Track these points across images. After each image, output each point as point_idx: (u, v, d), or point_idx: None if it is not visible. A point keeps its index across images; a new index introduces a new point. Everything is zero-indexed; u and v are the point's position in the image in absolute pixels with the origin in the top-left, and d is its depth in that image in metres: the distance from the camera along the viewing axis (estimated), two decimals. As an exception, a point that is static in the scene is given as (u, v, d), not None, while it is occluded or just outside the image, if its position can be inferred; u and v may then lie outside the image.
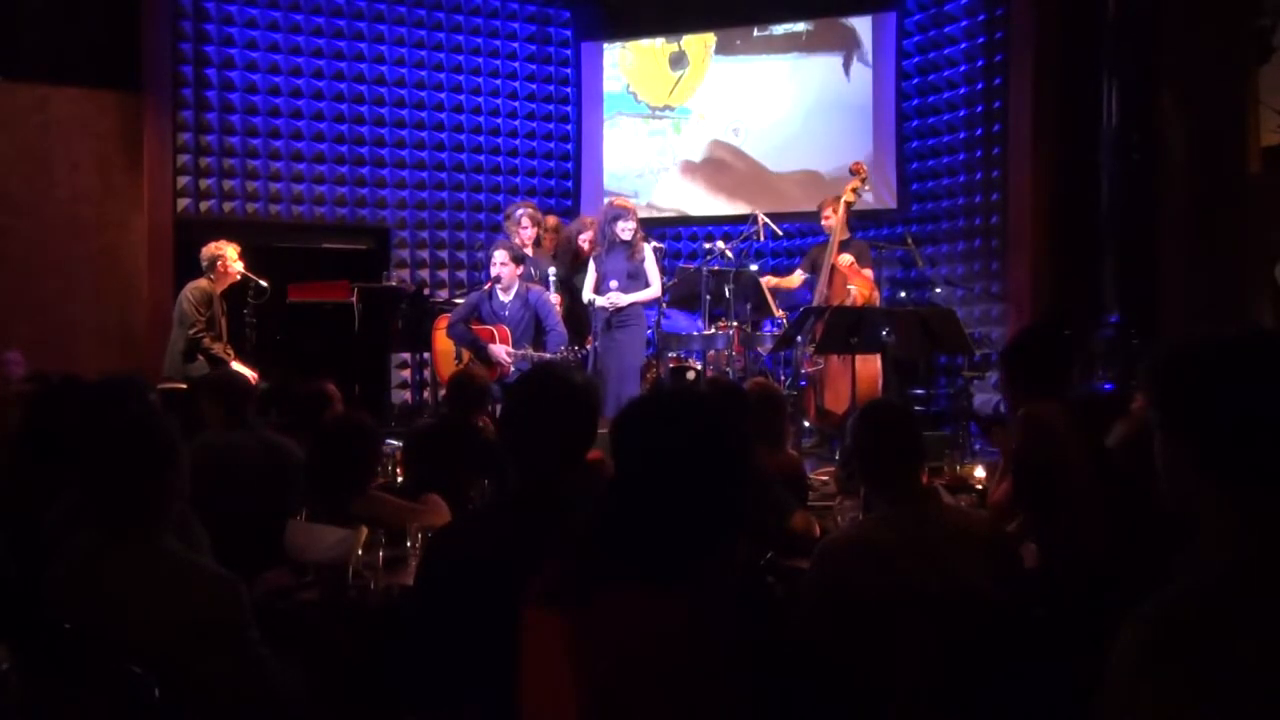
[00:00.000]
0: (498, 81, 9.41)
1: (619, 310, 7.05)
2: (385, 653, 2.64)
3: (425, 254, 9.21)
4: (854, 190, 7.40)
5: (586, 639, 1.61)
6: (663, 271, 7.70)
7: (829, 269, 7.34)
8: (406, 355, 8.78)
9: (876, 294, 7.39)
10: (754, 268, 7.78)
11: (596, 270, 7.25)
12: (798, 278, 7.77)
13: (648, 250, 7.26)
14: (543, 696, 1.66)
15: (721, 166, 9.39)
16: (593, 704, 1.60)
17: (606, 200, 7.82)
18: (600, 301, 7.06)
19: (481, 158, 9.38)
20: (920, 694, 2.42)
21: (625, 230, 7.09)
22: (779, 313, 7.65)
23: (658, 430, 1.78)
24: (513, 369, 6.68)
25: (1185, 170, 6.90)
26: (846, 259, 7.29)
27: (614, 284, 7.05)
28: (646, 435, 1.78)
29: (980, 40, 8.14)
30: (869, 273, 7.36)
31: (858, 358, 6.83)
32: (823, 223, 7.64)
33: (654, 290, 7.22)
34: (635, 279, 7.15)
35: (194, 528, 2.78)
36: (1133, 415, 3.34)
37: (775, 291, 7.68)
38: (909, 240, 8.05)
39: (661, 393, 2.92)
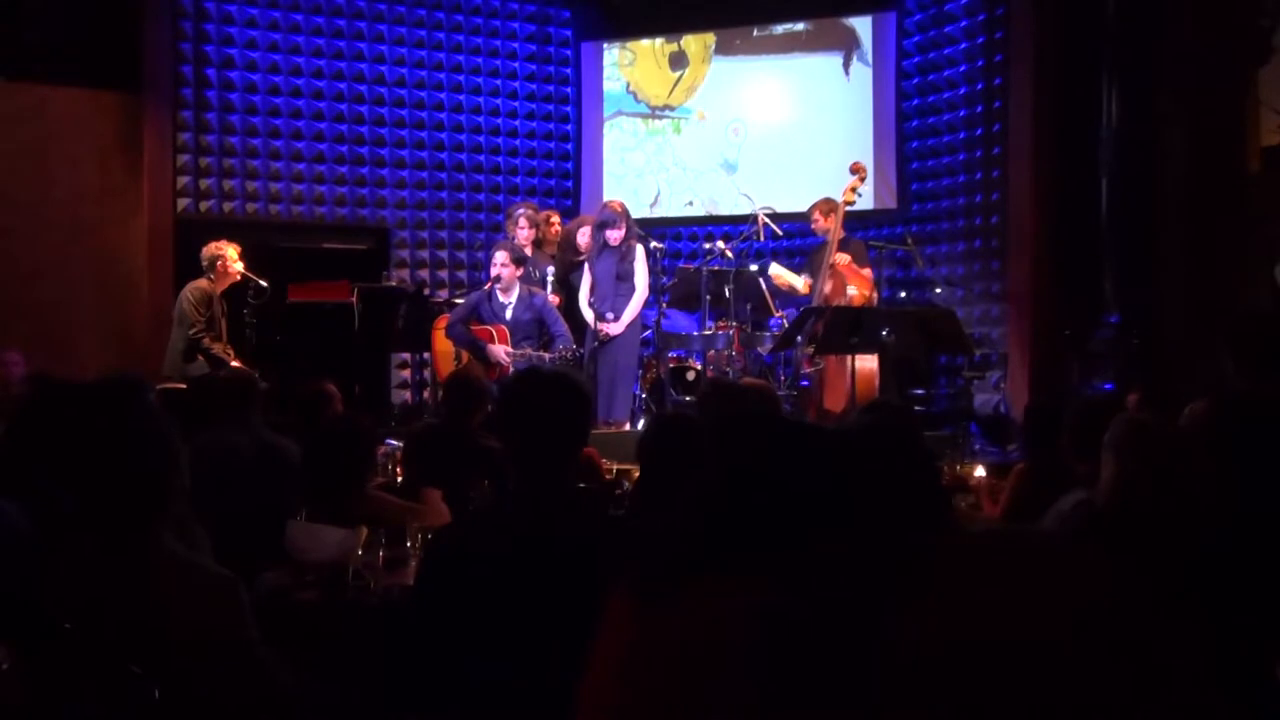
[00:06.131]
0: (498, 81, 9.41)
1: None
2: (386, 652, 2.64)
3: (425, 254, 9.21)
4: (853, 190, 7.39)
5: (672, 627, 1.62)
6: (662, 272, 7.70)
7: (826, 269, 7.34)
8: (406, 355, 8.78)
9: (874, 294, 7.39)
10: (754, 268, 7.78)
11: (590, 272, 7.27)
12: (803, 284, 7.66)
13: (639, 251, 7.26)
14: (613, 685, 1.67)
15: (721, 166, 9.38)
16: (669, 695, 1.61)
17: (604, 202, 7.82)
18: (597, 326, 7.06)
19: (481, 158, 9.38)
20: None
21: (614, 238, 7.14)
22: (779, 313, 7.65)
23: (763, 433, 1.81)
24: (512, 369, 6.68)
25: (1185, 170, 6.90)
26: (843, 258, 7.29)
27: (610, 316, 7.07)
28: (749, 437, 1.81)
29: (980, 40, 8.14)
30: (868, 272, 7.36)
31: (854, 357, 6.83)
32: (812, 226, 7.64)
33: (640, 293, 7.20)
34: (625, 280, 7.17)
35: (194, 528, 2.78)
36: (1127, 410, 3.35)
37: (775, 291, 7.67)
38: (909, 240, 8.05)
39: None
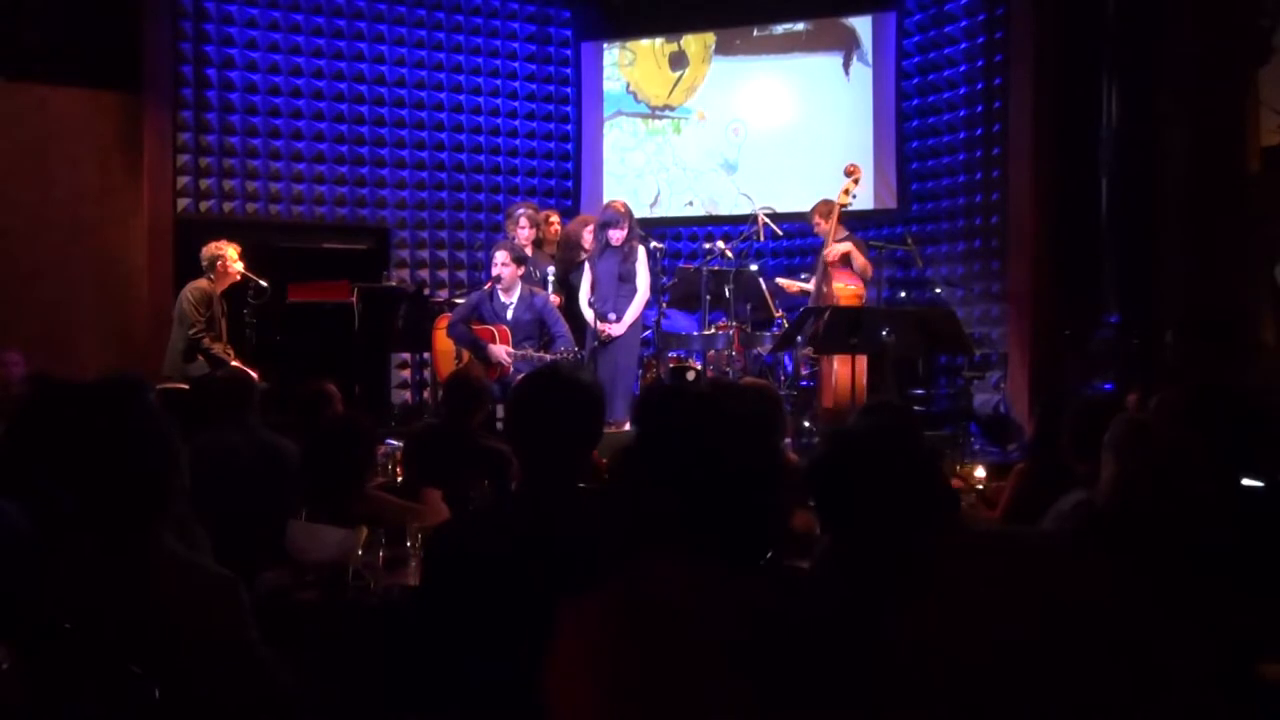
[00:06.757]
0: (498, 81, 9.41)
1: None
2: (387, 652, 2.64)
3: (425, 254, 9.21)
4: (847, 191, 7.39)
5: (621, 612, 1.62)
6: (662, 272, 7.70)
7: (822, 268, 7.35)
8: (406, 355, 8.78)
9: (864, 286, 7.37)
10: (754, 268, 7.79)
11: (591, 272, 7.26)
12: (812, 284, 7.69)
13: (641, 252, 7.25)
14: (570, 678, 1.67)
15: (721, 166, 9.38)
16: (625, 680, 1.60)
17: (605, 202, 7.82)
18: (599, 326, 7.05)
19: (481, 158, 9.38)
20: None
21: (616, 238, 7.13)
22: (778, 313, 7.65)
23: (708, 423, 1.84)
24: (513, 369, 6.69)
25: (1185, 170, 6.90)
26: (836, 250, 7.30)
27: (612, 316, 7.06)
28: (694, 429, 1.81)
29: (980, 40, 8.14)
30: (862, 262, 7.35)
31: (853, 356, 6.84)
32: (814, 229, 7.66)
33: (642, 294, 7.18)
34: (627, 281, 7.16)
35: (194, 528, 2.78)
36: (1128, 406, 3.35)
37: (775, 291, 7.67)
38: (909, 240, 8.04)
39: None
